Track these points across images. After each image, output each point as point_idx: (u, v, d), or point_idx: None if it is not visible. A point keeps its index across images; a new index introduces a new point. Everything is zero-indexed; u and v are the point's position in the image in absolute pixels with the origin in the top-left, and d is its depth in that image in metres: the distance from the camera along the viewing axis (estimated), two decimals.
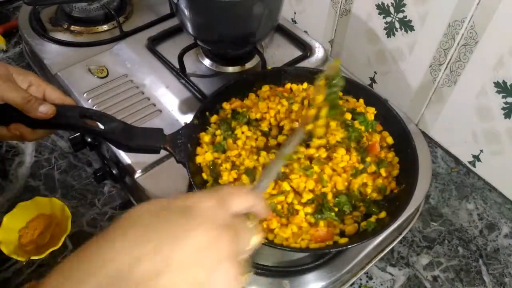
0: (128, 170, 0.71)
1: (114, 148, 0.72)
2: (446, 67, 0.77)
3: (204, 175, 0.63)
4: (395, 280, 0.69)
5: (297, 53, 0.91)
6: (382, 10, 0.82)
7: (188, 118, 0.76)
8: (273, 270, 0.61)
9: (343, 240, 0.57)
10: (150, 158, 0.70)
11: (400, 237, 0.71)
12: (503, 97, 0.71)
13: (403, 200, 0.59)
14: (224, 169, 0.63)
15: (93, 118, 0.58)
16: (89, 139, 0.77)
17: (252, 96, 0.72)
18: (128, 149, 0.60)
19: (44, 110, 0.55)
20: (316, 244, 0.57)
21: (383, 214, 0.59)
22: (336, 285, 0.64)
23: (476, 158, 0.81)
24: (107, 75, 0.84)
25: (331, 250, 0.62)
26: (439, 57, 0.77)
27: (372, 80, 0.93)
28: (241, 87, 0.72)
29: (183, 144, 0.61)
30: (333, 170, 0.63)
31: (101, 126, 0.58)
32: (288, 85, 0.74)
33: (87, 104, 0.78)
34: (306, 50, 0.90)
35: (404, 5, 0.78)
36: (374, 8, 0.83)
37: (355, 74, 0.87)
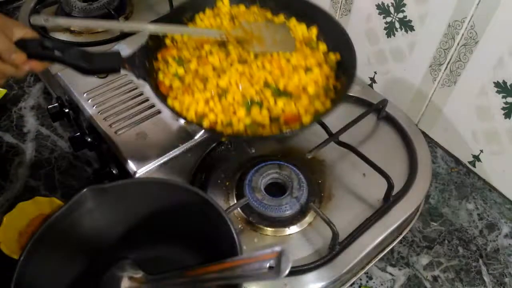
0: (128, 170, 0.71)
1: (114, 149, 0.72)
2: (446, 67, 0.77)
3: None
4: (395, 280, 0.69)
5: None
6: (382, 10, 0.82)
7: None
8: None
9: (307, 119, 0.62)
10: (150, 158, 0.71)
11: (400, 237, 0.71)
12: (503, 97, 0.71)
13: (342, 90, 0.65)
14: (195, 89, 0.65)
15: (54, 49, 0.59)
16: (89, 139, 0.77)
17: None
18: (88, 72, 0.62)
19: (17, 59, 0.57)
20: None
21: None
22: (336, 285, 0.64)
23: (476, 158, 0.81)
24: (107, 75, 0.84)
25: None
26: (439, 57, 0.77)
27: (372, 80, 0.93)
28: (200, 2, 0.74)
29: (140, 62, 0.64)
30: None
31: (61, 54, 0.60)
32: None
33: (87, 104, 0.78)
34: None
35: (404, 5, 0.78)
36: (374, 8, 0.83)
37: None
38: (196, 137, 0.74)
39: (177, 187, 0.54)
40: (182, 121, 0.76)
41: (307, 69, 0.67)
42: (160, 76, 0.67)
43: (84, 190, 0.51)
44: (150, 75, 0.66)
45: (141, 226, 0.57)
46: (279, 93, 0.65)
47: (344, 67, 0.68)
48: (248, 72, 0.66)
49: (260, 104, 0.64)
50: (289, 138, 0.77)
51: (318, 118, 0.64)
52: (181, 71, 0.67)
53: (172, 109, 0.62)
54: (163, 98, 0.63)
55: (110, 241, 0.57)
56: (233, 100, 0.64)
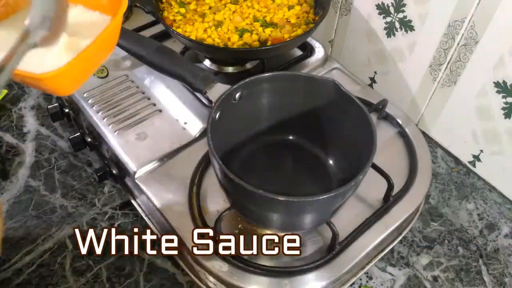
0: (128, 170, 0.71)
1: (114, 149, 0.72)
2: (446, 67, 0.77)
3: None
4: (395, 280, 0.69)
5: (298, 53, 0.91)
6: (382, 10, 0.82)
7: (189, 117, 0.76)
8: (273, 270, 0.61)
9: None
10: (150, 158, 0.71)
11: (400, 237, 0.71)
12: (503, 97, 0.71)
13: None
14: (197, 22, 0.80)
15: None
16: (89, 139, 0.77)
17: None
18: None
19: None
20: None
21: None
22: (336, 285, 0.64)
23: (476, 158, 0.81)
24: (107, 75, 0.84)
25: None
26: (439, 57, 0.77)
27: (372, 80, 0.93)
28: None
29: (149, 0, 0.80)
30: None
31: None
32: None
33: (87, 104, 0.78)
34: (307, 50, 0.90)
35: (404, 5, 0.78)
36: (374, 8, 0.83)
37: (355, 74, 0.87)
38: (196, 137, 0.74)
39: (348, 97, 0.63)
40: (182, 122, 0.76)
41: (290, 7, 0.85)
42: (165, 13, 0.84)
43: (265, 75, 0.65)
44: (157, 11, 0.82)
45: (294, 117, 0.70)
46: (266, 24, 0.82)
47: (321, 4, 0.83)
48: (239, 10, 0.84)
49: (251, 32, 0.80)
50: None
51: (299, 39, 0.79)
52: (182, 11, 0.84)
53: (176, 32, 0.76)
54: (168, 26, 0.79)
55: (269, 123, 0.71)
56: (227, 30, 0.80)
